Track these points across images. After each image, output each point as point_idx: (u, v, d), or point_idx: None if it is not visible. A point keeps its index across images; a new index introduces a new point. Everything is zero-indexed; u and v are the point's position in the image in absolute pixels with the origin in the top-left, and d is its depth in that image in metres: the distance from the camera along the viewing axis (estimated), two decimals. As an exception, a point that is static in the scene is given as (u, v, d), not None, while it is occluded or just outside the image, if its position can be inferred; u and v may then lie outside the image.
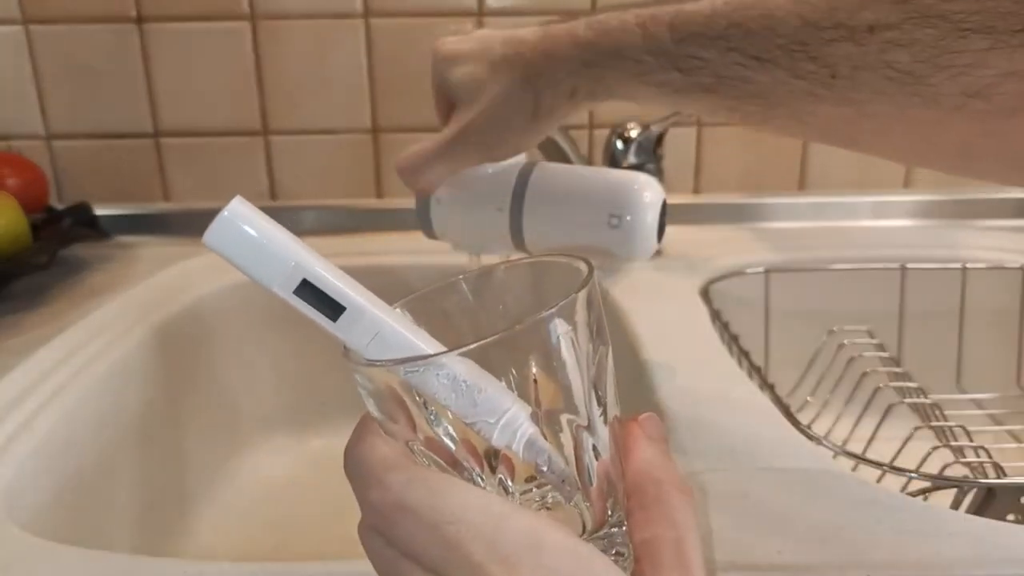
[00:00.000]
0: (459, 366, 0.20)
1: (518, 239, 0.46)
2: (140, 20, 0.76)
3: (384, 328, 0.21)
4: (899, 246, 0.71)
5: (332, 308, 0.21)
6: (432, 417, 0.21)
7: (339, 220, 0.80)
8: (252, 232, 0.20)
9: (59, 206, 0.75)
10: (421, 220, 0.49)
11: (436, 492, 0.20)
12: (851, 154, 0.90)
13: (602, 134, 0.73)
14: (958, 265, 0.67)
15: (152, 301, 0.61)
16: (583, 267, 0.23)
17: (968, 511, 0.38)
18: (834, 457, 0.41)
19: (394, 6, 0.77)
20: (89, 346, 0.53)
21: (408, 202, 0.50)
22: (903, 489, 0.41)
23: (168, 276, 0.66)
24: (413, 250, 0.68)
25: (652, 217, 0.43)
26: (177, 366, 0.60)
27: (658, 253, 0.66)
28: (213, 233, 0.20)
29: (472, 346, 0.20)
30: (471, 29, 0.77)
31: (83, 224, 0.73)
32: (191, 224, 0.79)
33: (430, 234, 0.50)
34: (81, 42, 0.77)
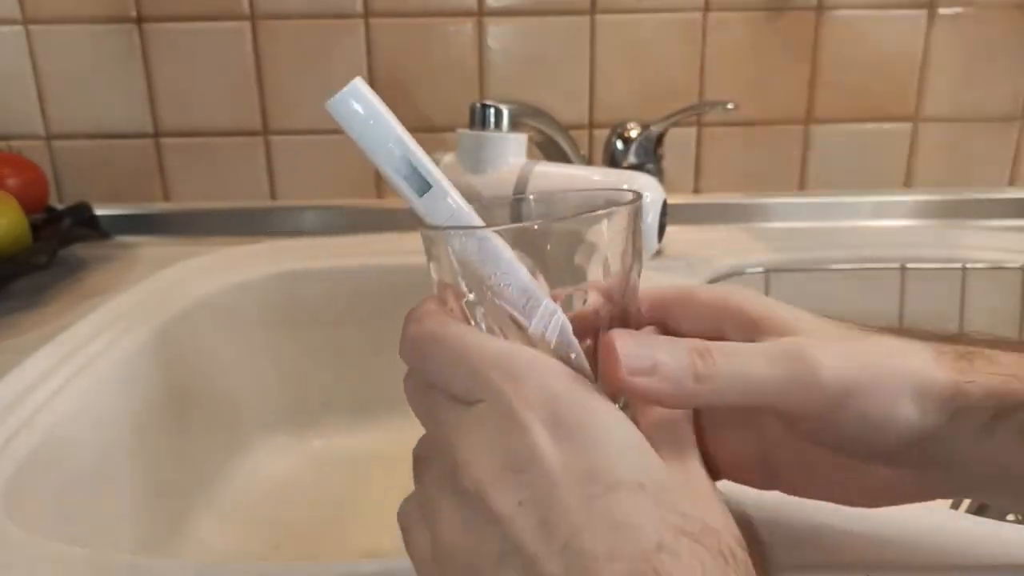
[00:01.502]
0: (510, 250, 0.24)
1: (518, 239, 0.47)
2: (140, 20, 0.77)
3: (461, 212, 0.24)
4: (899, 246, 0.71)
5: (421, 184, 0.24)
6: (477, 298, 0.24)
7: (339, 220, 0.80)
8: (369, 107, 0.24)
9: (59, 206, 0.75)
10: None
11: (466, 330, 0.23)
12: (850, 154, 0.91)
13: (602, 134, 0.73)
14: (958, 265, 0.67)
15: (152, 301, 0.61)
16: (633, 195, 0.26)
17: (968, 511, 0.37)
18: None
19: (394, 6, 0.77)
20: (89, 346, 0.53)
21: (408, 202, 0.50)
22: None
23: (168, 276, 0.66)
24: (413, 250, 0.67)
25: (652, 217, 0.44)
26: (177, 366, 0.60)
27: (658, 253, 0.66)
28: (337, 102, 0.23)
29: (526, 224, 0.24)
30: (470, 30, 0.77)
31: (83, 224, 0.73)
32: (191, 224, 0.79)
33: (430, 234, 0.50)
34: (81, 42, 0.77)
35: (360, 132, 0.24)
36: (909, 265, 0.67)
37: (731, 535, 0.21)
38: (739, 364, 0.23)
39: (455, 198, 0.24)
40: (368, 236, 0.77)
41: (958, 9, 0.78)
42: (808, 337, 0.24)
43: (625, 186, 0.44)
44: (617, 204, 0.25)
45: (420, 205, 0.24)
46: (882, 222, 0.80)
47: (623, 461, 0.21)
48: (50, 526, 0.40)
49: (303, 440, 0.70)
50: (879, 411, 0.23)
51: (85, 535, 0.44)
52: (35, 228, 0.65)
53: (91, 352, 0.52)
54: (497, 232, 0.23)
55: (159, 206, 0.81)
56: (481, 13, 0.77)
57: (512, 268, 0.23)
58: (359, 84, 0.23)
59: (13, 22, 0.76)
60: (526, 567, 0.20)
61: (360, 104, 0.23)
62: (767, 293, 0.67)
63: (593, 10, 0.77)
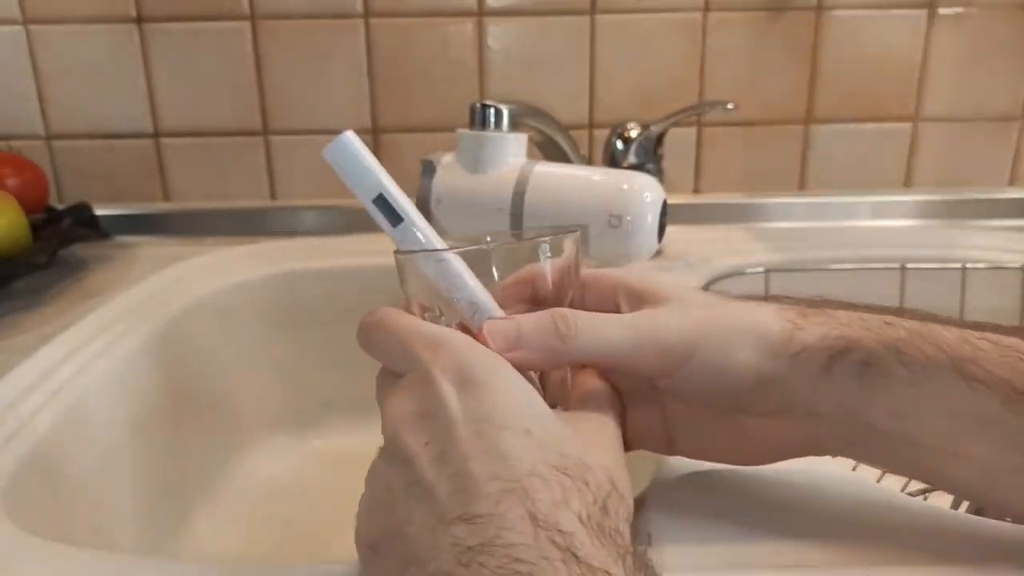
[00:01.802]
0: (466, 270, 0.29)
1: (518, 239, 0.47)
2: (140, 20, 0.77)
3: (428, 240, 0.30)
4: (899, 246, 0.71)
5: (396, 218, 0.30)
6: (438, 310, 0.29)
7: (339, 220, 0.80)
8: (355, 155, 0.29)
9: (59, 206, 0.75)
10: (421, 220, 0.49)
11: (404, 316, 0.28)
12: (850, 154, 0.91)
13: (602, 134, 0.73)
14: (958, 265, 0.67)
15: (152, 301, 0.62)
16: (576, 229, 0.31)
17: (968, 511, 0.37)
18: (834, 456, 0.41)
19: (394, 6, 0.77)
20: (89, 346, 0.53)
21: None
22: (903, 489, 0.41)
23: (168, 276, 0.66)
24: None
25: (652, 217, 0.44)
26: (177, 366, 0.60)
27: (658, 253, 0.66)
28: (330, 149, 0.29)
29: (480, 246, 0.29)
30: (470, 30, 0.78)
31: (83, 224, 0.73)
32: (191, 224, 0.79)
33: (430, 234, 0.50)
34: (81, 42, 0.77)
35: (347, 174, 0.29)
36: (909, 265, 0.67)
37: (604, 473, 0.25)
38: (596, 328, 0.28)
39: (422, 228, 0.30)
40: (368, 236, 0.77)
41: (958, 9, 0.78)
42: (667, 306, 0.29)
43: (625, 186, 0.44)
44: (558, 233, 0.31)
45: (394, 234, 0.30)
46: (882, 222, 0.80)
47: (515, 412, 0.25)
48: (50, 526, 0.41)
49: (303, 440, 0.70)
50: (719, 360, 0.27)
51: (85, 535, 0.44)
52: (35, 228, 0.65)
53: (91, 352, 0.52)
54: (455, 255, 0.28)
55: (159, 206, 0.81)
56: (481, 13, 0.77)
57: (464, 284, 0.28)
58: (349, 136, 0.29)
59: (13, 22, 0.76)
60: (424, 494, 0.24)
61: (348, 152, 0.29)
62: (767, 293, 0.67)
63: (593, 10, 0.77)
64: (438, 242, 0.30)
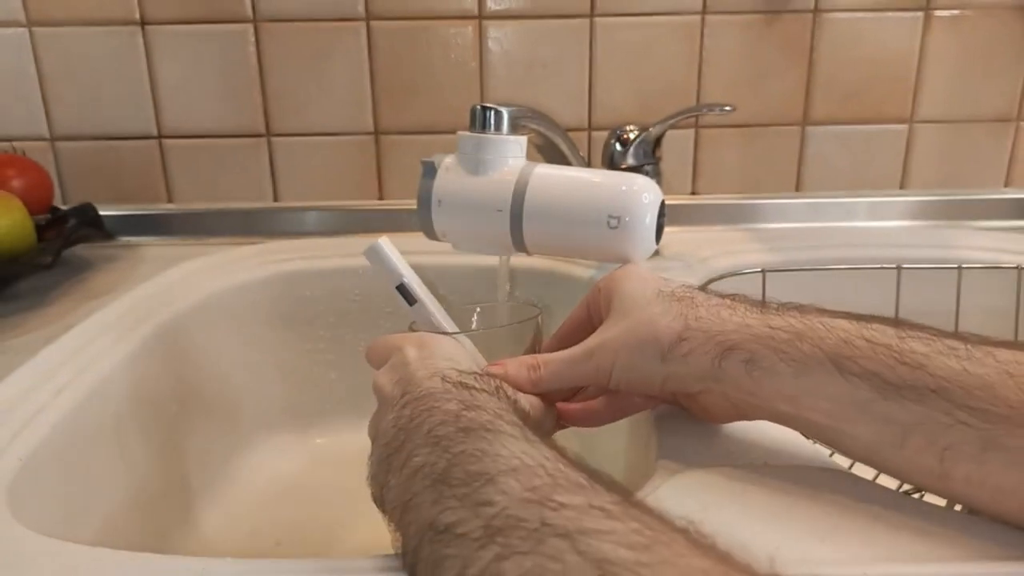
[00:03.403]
0: (467, 342, 0.41)
1: (518, 240, 0.47)
2: (143, 23, 0.77)
3: (435, 316, 0.43)
4: (895, 246, 0.72)
5: (412, 299, 0.43)
6: None
7: (341, 221, 0.80)
8: (385, 256, 0.43)
9: (63, 207, 0.76)
10: (422, 221, 0.50)
11: (395, 335, 0.41)
12: (847, 156, 0.91)
13: (601, 136, 0.74)
14: (954, 265, 0.67)
15: (156, 301, 0.62)
16: (537, 311, 0.45)
17: (963, 510, 0.38)
18: (831, 455, 0.42)
19: (395, 9, 0.77)
20: (93, 345, 0.53)
21: (410, 203, 0.50)
22: (899, 487, 0.42)
23: (171, 276, 0.67)
24: (414, 251, 0.68)
25: (650, 218, 0.44)
26: (180, 366, 0.61)
27: (656, 254, 0.66)
28: (369, 251, 0.43)
29: (471, 331, 0.43)
30: (470, 33, 0.78)
31: (87, 225, 0.74)
32: (194, 225, 0.80)
33: (431, 235, 0.50)
34: (85, 44, 0.78)
35: (378, 267, 0.43)
36: (905, 266, 0.67)
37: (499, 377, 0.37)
38: (554, 370, 0.39)
39: (431, 309, 0.42)
40: (369, 237, 0.78)
41: (954, 11, 0.79)
42: (600, 327, 0.38)
43: (624, 187, 0.44)
44: (524, 318, 0.45)
45: (410, 311, 0.43)
46: (878, 223, 0.80)
47: (450, 355, 0.37)
48: (54, 524, 0.41)
49: (305, 438, 0.71)
50: (630, 371, 0.37)
51: (89, 533, 0.45)
52: (40, 229, 0.65)
53: (95, 351, 0.53)
54: (451, 335, 0.41)
55: (163, 207, 0.82)
56: (481, 16, 0.78)
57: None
58: (382, 242, 0.43)
59: (17, 24, 0.77)
60: (389, 405, 0.35)
61: (380, 254, 0.43)
62: (763, 293, 0.67)
63: (592, 13, 0.78)
64: (442, 318, 0.43)
